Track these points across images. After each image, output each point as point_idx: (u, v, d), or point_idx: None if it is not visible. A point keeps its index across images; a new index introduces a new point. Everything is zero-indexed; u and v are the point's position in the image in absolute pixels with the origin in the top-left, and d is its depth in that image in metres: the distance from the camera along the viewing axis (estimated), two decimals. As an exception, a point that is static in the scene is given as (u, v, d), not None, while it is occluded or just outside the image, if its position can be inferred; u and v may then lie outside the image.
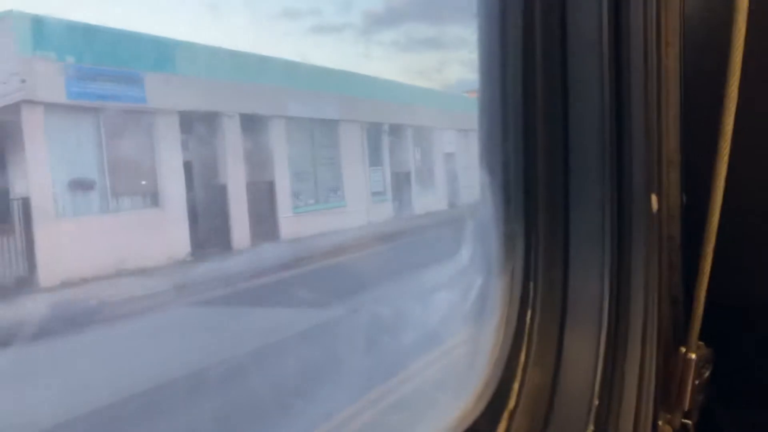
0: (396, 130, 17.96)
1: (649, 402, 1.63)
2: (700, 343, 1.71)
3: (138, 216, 11.05)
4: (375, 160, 16.76)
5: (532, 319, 1.62)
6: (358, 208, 15.45)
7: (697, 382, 1.70)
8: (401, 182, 18.02)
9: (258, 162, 12.98)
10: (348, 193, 15.30)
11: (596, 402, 1.57)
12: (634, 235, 1.62)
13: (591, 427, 1.55)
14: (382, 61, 24.17)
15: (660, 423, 1.68)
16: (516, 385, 1.59)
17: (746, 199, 1.77)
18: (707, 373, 1.73)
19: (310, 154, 14.37)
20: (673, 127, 1.67)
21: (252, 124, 12.71)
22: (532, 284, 1.63)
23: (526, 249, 1.65)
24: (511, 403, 1.58)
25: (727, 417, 1.82)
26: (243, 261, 11.35)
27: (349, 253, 12.68)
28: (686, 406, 1.70)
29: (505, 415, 1.57)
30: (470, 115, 23.54)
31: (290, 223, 13.29)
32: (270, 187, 13.12)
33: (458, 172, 23.24)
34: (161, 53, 11.69)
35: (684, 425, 1.71)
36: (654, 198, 1.61)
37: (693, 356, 1.69)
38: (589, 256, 1.62)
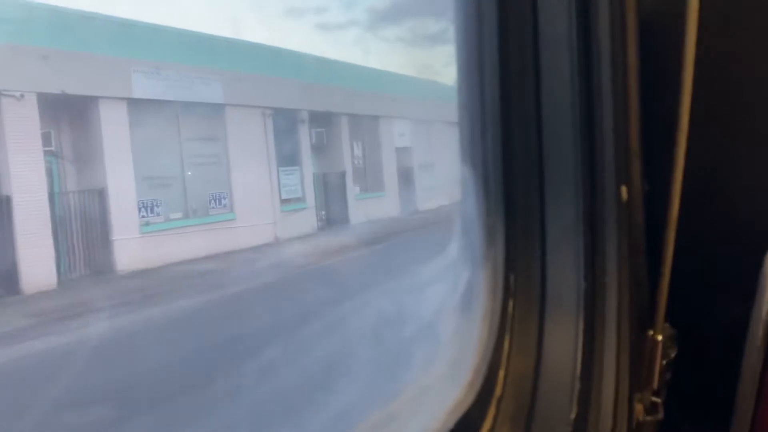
0: (323, 119, 14.09)
1: (624, 383, 1.73)
2: (666, 324, 1.83)
3: None
4: (288, 157, 12.93)
5: (513, 308, 1.70)
6: (258, 220, 11.60)
7: (664, 362, 1.82)
8: (332, 186, 14.24)
9: (79, 161, 9.31)
10: (240, 202, 11.46)
11: (578, 386, 1.66)
12: (607, 224, 1.72)
13: (575, 410, 1.64)
14: (387, 55, 21.19)
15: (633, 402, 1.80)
16: (502, 373, 1.67)
17: (705, 184, 1.88)
18: (673, 353, 1.83)
19: (175, 149, 10.53)
20: (634, 120, 1.77)
21: (66, 107, 9.04)
22: (512, 275, 1.72)
23: (506, 241, 1.74)
24: (498, 391, 1.66)
25: (693, 394, 1.91)
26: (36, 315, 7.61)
27: (206, 292, 8.99)
28: (655, 385, 1.81)
29: (493, 402, 1.64)
30: (441, 103, 19.89)
31: (135, 248, 9.60)
32: (100, 197, 9.41)
33: (415, 171, 19.48)
34: None
35: (654, 403, 1.80)
36: (624, 189, 1.71)
37: (660, 337, 1.80)
38: (564, 246, 1.71)
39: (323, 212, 13.50)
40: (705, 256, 1.89)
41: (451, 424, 1.58)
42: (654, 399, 1.81)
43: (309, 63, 13.66)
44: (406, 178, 17.29)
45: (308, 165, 13.52)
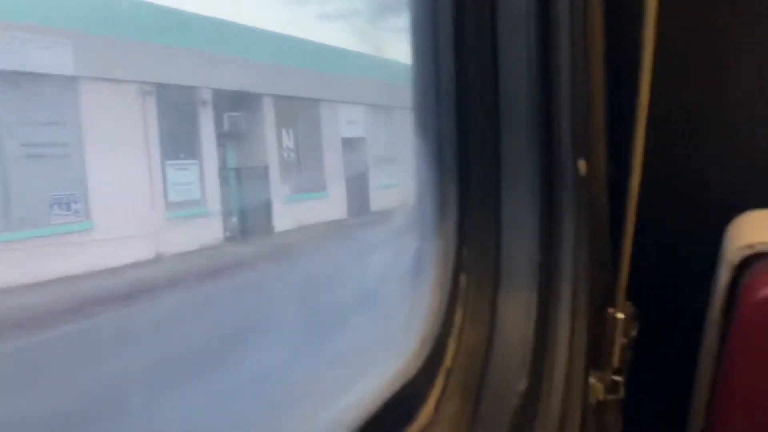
0: (239, 100, 11.19)
1: (580, 359, 1.78)
2: (627, 303, 1.91)
3: None
4: (180, 148, 10.08)
5: (467, 281, 1.76)
6: (130, 231, 8.79)
7: (624, 340, 1.89)
8: (249, 185, 11.37)
9: None
10: (100, 207, 8.62)
11: (529, 358, 1.72)
12: (564, 199, 1.78)
13: (524, 381, 1.69)
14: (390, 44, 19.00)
15: (592, 381, 1.85)
16: (452, 345, 1.73)
17: (666, 164, 1.95)
18: (634, 332, 1.91)
19: (-9, 136, 7.68)
20: (598, 96, 1.83)
21: None
22: (465, 248, 1.76)
23: (459, 213, 1.78)
24: (448, 362, 1.71)
25: (655, 372, 1.99)
26: None
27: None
28: (615, 363, 1.88)
29: (442, 372, 1.69)
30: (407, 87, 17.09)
31: None
32: None
33: (369, 166, 16.46)
34: None
35: (615, 382, 1.88)
36: (582, 163, 1.76)
37: (620, 316, 1.89)
38: (520, 220, 1.77)
39: (234, 218, 10.68)
40: (666, 235, 1.99)
41: (391, 392, 1.56)
42: (615, 378, 1.89)
43: (216, 29, 10.81)
44: (357, 174, 14.45)
45: (212, 158, 10.68)
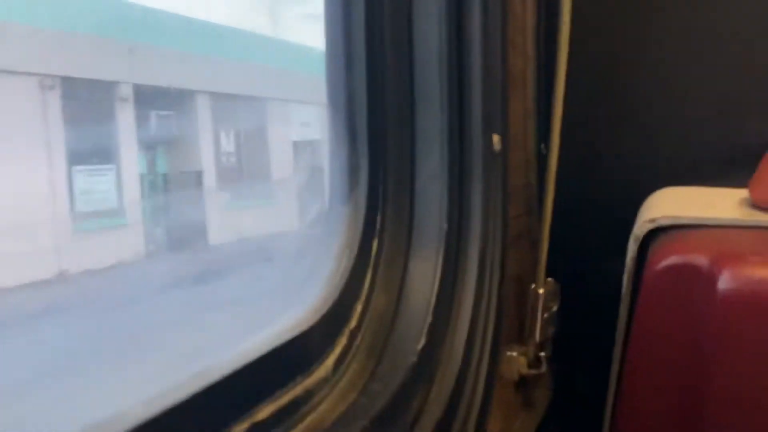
0: (168, 98, 9.99)
1: (488, 327, 1.91)
2: (549, 279, 2.14)
3: None
4: (93, 151, 8.86)
5: (379, 245, 1.89)
6: (24, 246, 7.57)
7: (546, 315, 2.10)
8: (179, 192, 10.18)
9: None
10: (-17, 219, 7.40)
11: (430, 319, 1.86)
12: (474, 171, 1.92)
13: (423, 340, 1.83)
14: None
15: (514, 354, 2.03)
16: (359, 306, 1.85)
17: (586, 144, 2.14)
18: (555, 307, 2.12)
19: None
20: (530, 79, 1.99)
21: None
22: (379, 214, 1.89)
23: (371, 181, 1.90)
24: (353, 323, 1.83)
25: (574, 346, 2.13)
26: None
27: None
28: (537, 338, 2.12)
29: (346, 332, 1.81)
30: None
31: None
32: None
33: (326, 172, 15.36)
34: None
35: (538, 357, 2.06)
36: (496, 138, 1.89)
37: (541, 291, 2.11)
38: (431, 189, 1.89)
39: (159, 230, 9.51)
40: (586, 212, 2.23)
41: (278, 343, 1.56)
42: (539, 353, 2.07)
43: (143, 17, 9.64)
44: (311, 180, 13.28)
45: (132, 162, 9.48)
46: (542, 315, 2.07)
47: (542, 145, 1.96)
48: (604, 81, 2.14)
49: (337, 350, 1.73)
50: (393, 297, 1.85)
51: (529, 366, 1.96)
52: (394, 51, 1.78)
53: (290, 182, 12.22)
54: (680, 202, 2.16)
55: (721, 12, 2.36)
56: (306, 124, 13.28)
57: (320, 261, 2.05)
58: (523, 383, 2.00)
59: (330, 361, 1.70)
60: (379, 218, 1.86)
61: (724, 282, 1.98)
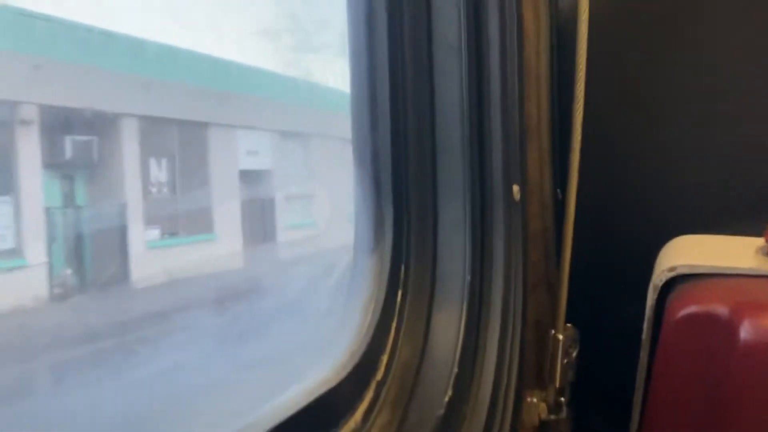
0: (87, 121, 8.83)
1: (512, 375, 1.84)
2: (568, 325, 2.08)
3: None
4: (-17, 180, 7.67)
5: (403, 297, 1.82)
6: None
7: (565, 361, 2.02)
8: (96, 228, 8.97)
9: None
10: None
11: (456, 370, 1.80)
12: (495, 222, 1.86)
13: (450, 392, 1.76)
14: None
15: (534, 400, 1.96)
16: (385, 358, 1.79)
17: (604, 192, 2.04)
18: (574, 352, 2.03)
19: None
20: (545, 127, 1.94)
21: None
22: (403, 266, 1.83)
23: (396, 233, 1.85)
24: (380, 375, 1.78)
25: (593, 391, 2.03)
26: None
27: None
28: (557, 383, 2.04)
29: (373, 385, 1.76)
30: (331, 113, 14.80)
31: None
32: None
33: (277, 204, 13.92)
34: None
35: (558, 402, 1.99)
36: (516, 188, 1.84)
37: (560, 337, 2.04)
38: (454, 240, 1.83)
39: (68, 270, 8.31)
40: (605, 259, 2.10)
41: (313, 398, 1.56)
42: (559, 398, 2.01)
43: (58, 31, 8.50)
44: (259, 213, 12.14)
45: (37, 194, 8.32)
46: (562, 360, 2.02)
47: (558, 191, 1.97)
48: (621, 128, 2.12)
49: (365, 403, 1.70)
50: (417, 348, 1.81)
51: (549, 411, 1.91)
52: (416, 109, 1.78)
53: (234, 215, 11.06)
54: (698, 251, 2.18)
55: (737, 59, 2.37)
56: (254, 153, 12.16)
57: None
58: (543, 429, 1.96)
59: (359, 414, 1.68)
60: (402, 269, 1.84)
61: (746, 331, 1.96)
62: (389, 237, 1.85)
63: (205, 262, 9.83)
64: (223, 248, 10.49)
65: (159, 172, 9.95)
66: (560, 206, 2.03)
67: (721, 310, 1.99)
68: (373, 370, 1.78)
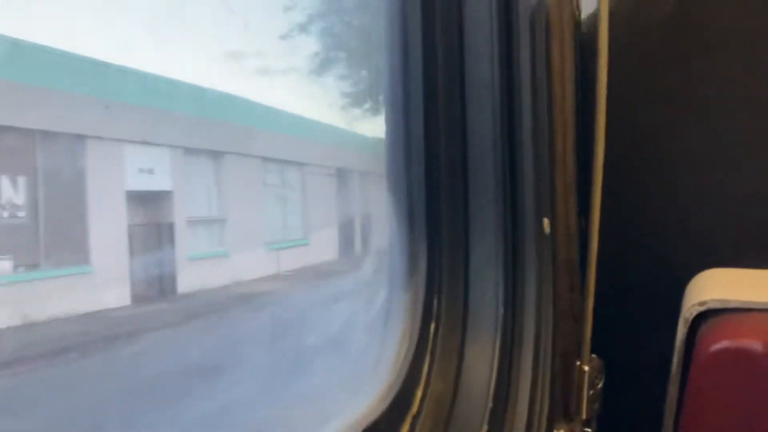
0: None
1: (543, 408, 1.85)
2: (593, 356, 2.01)
3: None
4: None
5: (435, 330, 1.84)
6: None
7: (591, 392, 1.97)
8: None
9: None
10: None
11: (491, 404, 1.80)
12: (527, 255, 1.86)
13: (486, 427, 1.76)
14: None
15: None
16: (419, 392, 1.79)
17: (630, 223, 2.01)
18: (600, 384, 1.98)
19: None
20: (570, 156, 1.87)
21: None
22: (435, 299, 1.85)
23: (429, 267, 1.87)
24: (414, 408, 1.76)
25: (625, 424, 2.03)
26: None
27: None
28: (584, 415, 1.97)
29: (408, 419, 1.75)
30: (250, 129, 13.29)
31: None
32: None
33: (177, 230, 11.96)
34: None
35: None
36: (546, 222, 1.85)
37: (586, 368, 1.98)
38: (486, 274, 1.85)
39: None
40: (631, 291, 2.07)
41: None
42: (585, 430, 1.95)
43: None
44: (153, 241, 10.55)
45: None
46: (588, 392, 1.95)
47: (582, 220, 1.87)
48: (646, 159, 2.04)
49: None
50: (450, 382, 1.81)
51: None
52: (449, 146, 1.77)
53: (118, 244, 9.44)
54: (728, 284, 2.11)
55: (761, 86, 2.27)
56: (147, 171, 10.57)
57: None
58: None
59: None
60: (435, 302, 1.83)
61: None
62: (422, 271, 1.86)
63: (77, 298, 8.20)
64: (98, 282, 8.83)
65: (14, 193, 8.32)
66: (584, 236, 1.99)
67: (755, 345, 1.97)
68: (409, 404, 1.76)
